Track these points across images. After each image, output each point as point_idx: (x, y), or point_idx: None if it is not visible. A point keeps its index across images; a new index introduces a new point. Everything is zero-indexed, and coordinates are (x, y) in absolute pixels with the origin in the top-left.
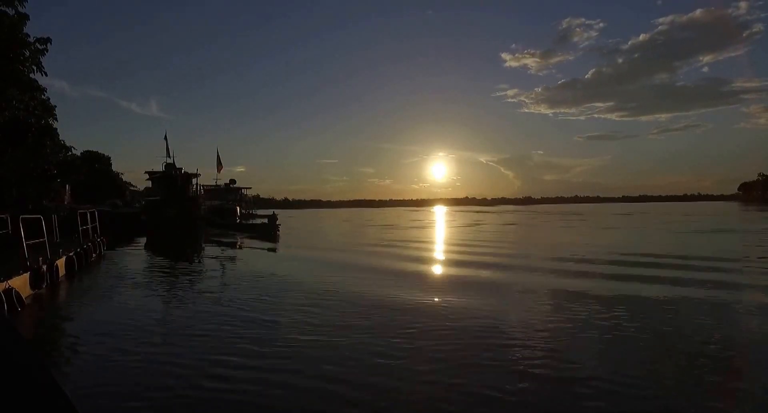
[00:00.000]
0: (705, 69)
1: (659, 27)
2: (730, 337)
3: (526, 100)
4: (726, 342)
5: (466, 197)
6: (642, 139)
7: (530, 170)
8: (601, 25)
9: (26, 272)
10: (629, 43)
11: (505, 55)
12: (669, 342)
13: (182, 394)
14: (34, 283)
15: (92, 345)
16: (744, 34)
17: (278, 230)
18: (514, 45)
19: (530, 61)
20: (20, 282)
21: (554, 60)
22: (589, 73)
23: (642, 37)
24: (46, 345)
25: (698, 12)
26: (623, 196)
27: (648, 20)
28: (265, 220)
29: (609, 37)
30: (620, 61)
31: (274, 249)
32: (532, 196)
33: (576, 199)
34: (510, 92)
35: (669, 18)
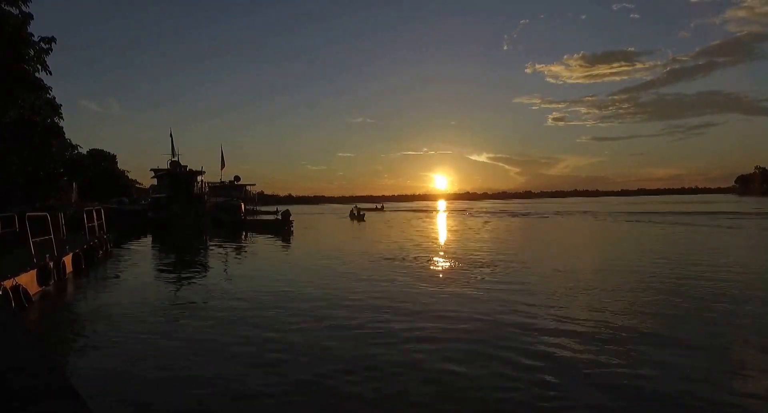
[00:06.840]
0: (713, 80)
1: (695, 57)
2: None
3: (541, 106)
4: None
5: (467, 192)
6: (643, 139)
7: (533, 167)
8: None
9: (33, 269)
10: (658, 62)
11: (527, 65)
12: None
13: (194, 391)
14: (42, 280)
15: (100, 342)
16: (751, 52)
17: (292, 226)
18: (534, 55)
19: (546, 72)
20: (28, 279)
21: (573, 73)
22: (612, 90)
23: (675, 56)
24: (54, 342)
25: (731, 37)
26: (622, 190)
27: (691, 45)
28: (275, 216)
29: (637, 52)
30: (644, 76)
31: (287, 247)
32: (532, 191)
33: (575, 193)
34: (526, 99)
35: (713, 44)
